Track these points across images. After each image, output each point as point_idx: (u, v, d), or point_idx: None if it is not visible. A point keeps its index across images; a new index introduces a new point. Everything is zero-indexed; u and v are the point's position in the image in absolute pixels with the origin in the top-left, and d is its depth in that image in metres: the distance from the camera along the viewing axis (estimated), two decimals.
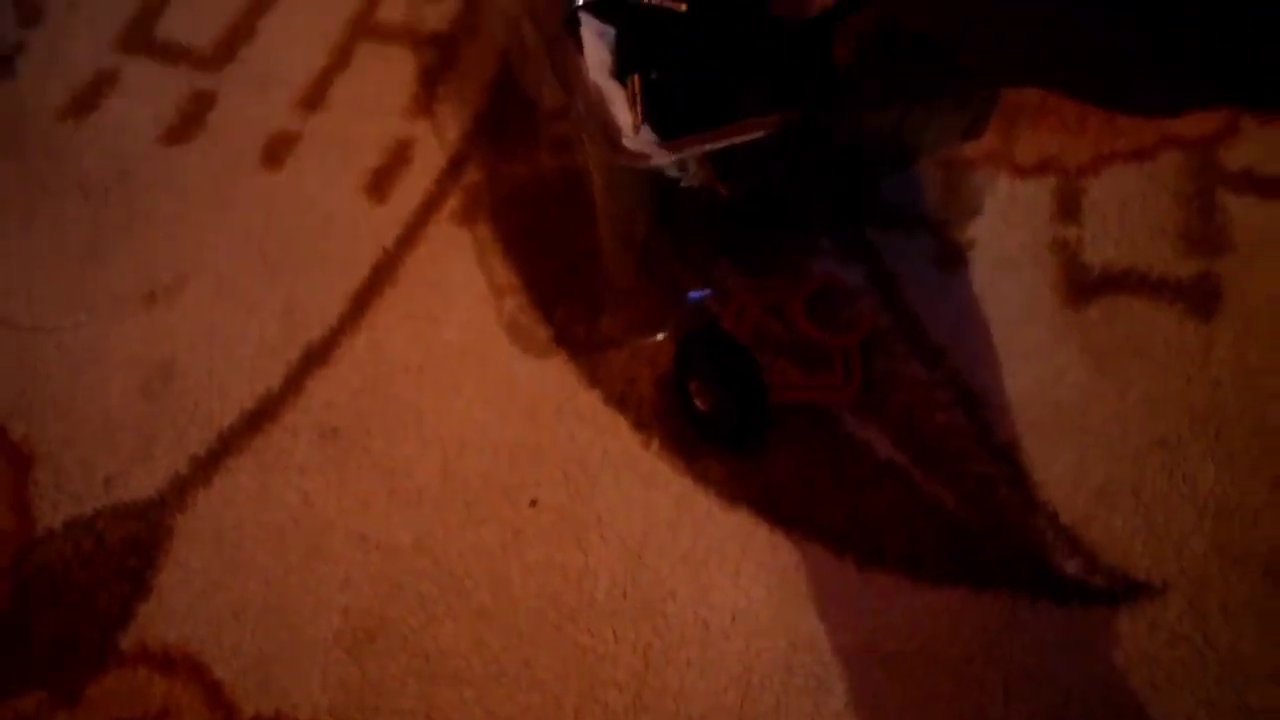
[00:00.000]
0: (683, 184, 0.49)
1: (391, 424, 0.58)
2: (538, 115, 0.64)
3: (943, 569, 0.54)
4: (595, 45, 0.54)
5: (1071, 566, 0.54)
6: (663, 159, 0.47)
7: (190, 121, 0.69)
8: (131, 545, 0.57)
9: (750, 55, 0.53)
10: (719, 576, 0.54)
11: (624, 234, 0.55)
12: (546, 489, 0.56)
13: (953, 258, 0.62)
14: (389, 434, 0.58)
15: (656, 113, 0.51)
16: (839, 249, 0.62)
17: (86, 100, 0.71)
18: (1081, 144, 0.66)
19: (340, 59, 0.71)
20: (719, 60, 0.54)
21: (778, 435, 0.57)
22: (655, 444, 0.57)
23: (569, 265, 0.62)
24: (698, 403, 0.56)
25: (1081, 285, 0.61)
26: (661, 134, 0.50)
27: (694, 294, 0.60)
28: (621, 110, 0.50)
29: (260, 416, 0.59)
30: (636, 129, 0.49)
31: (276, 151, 0.68)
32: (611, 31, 0.54)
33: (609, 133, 0.49)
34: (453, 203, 0.65)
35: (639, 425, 0.58)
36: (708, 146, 0.48)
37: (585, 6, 0.54)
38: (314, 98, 0.70)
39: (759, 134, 0.48)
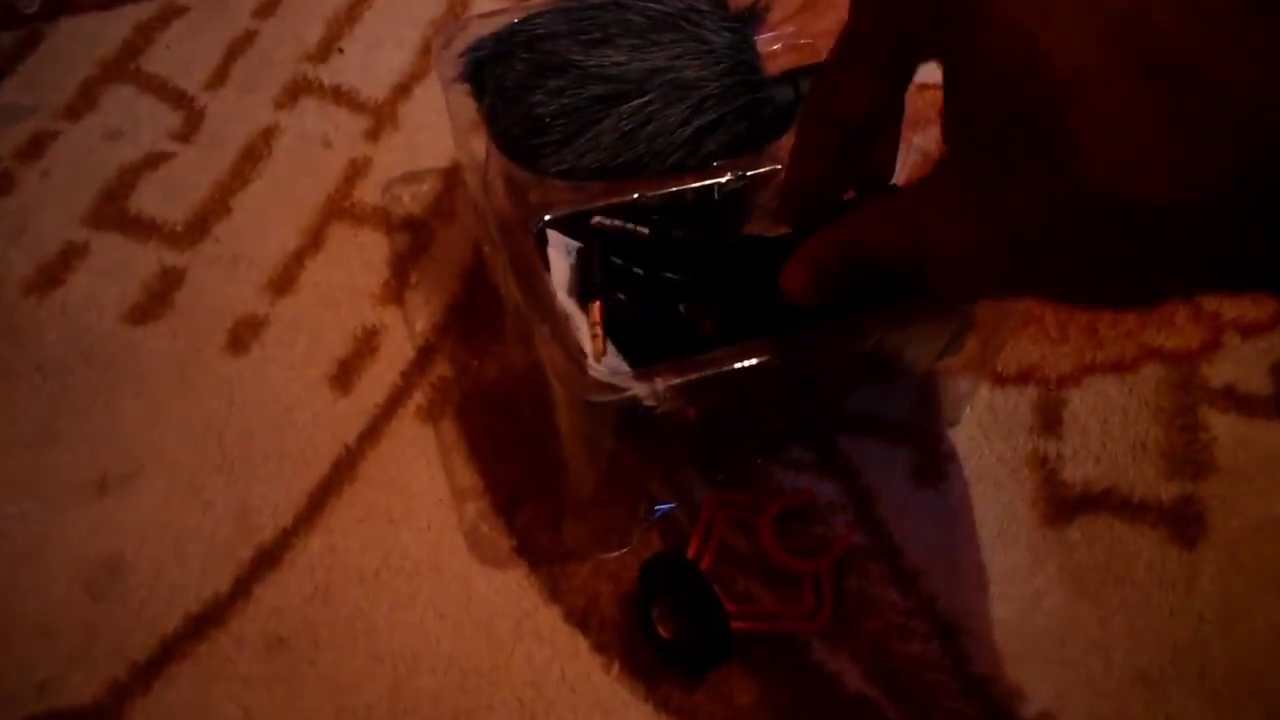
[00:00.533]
0: (656, 410, 0.47)
1: (341, 635, 0.56)
2: (505, 311, 0.63)
3: None
4: (562, 265, 0.53)
5: None
6: (632, 388, 0.46)
7: (157, 300, 0.68)
8: None
9: (712, 280, 0.53)
10: None
11: (587, 449, 0.53)
12: (500, 714, 0.54)
13: (930, 471, 0.61)
14: (338, 646, 0.56)
15: (623, 338, 0.50)
16: (811, 460, 0.61)
17: (53, 274, 0.69)
18: (1062, 353, 0.65)
19: (313, 240, 0.70)
20: (682, 284, 0.53)
21: (743, 661, 0.54)
22: (616, 667, 0.55)
23: (535, 469, 0.60)
24: (661, 630, 0.53)
25: (1061, 503, 0.60)
26: (631, 361, 0.49)
27: (661, 507, 0.58)
28: (585, 337, 0.49)
29: (205, 622, 0.57)
30: (599, 358, 0.48)
31: (242, 336, 0.66)
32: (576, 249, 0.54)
33: (574, 357, 0.47)
34: (419, 398, 0.63)
35: (599, 647, 0.55)
36: (689, 377, 0.47)
37: (553, 223, 0.54)
38: (284, 280, 0.69)
39: (749, 362, 0.47)
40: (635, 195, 0.56)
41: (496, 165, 0.57)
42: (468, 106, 0.57)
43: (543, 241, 0.53)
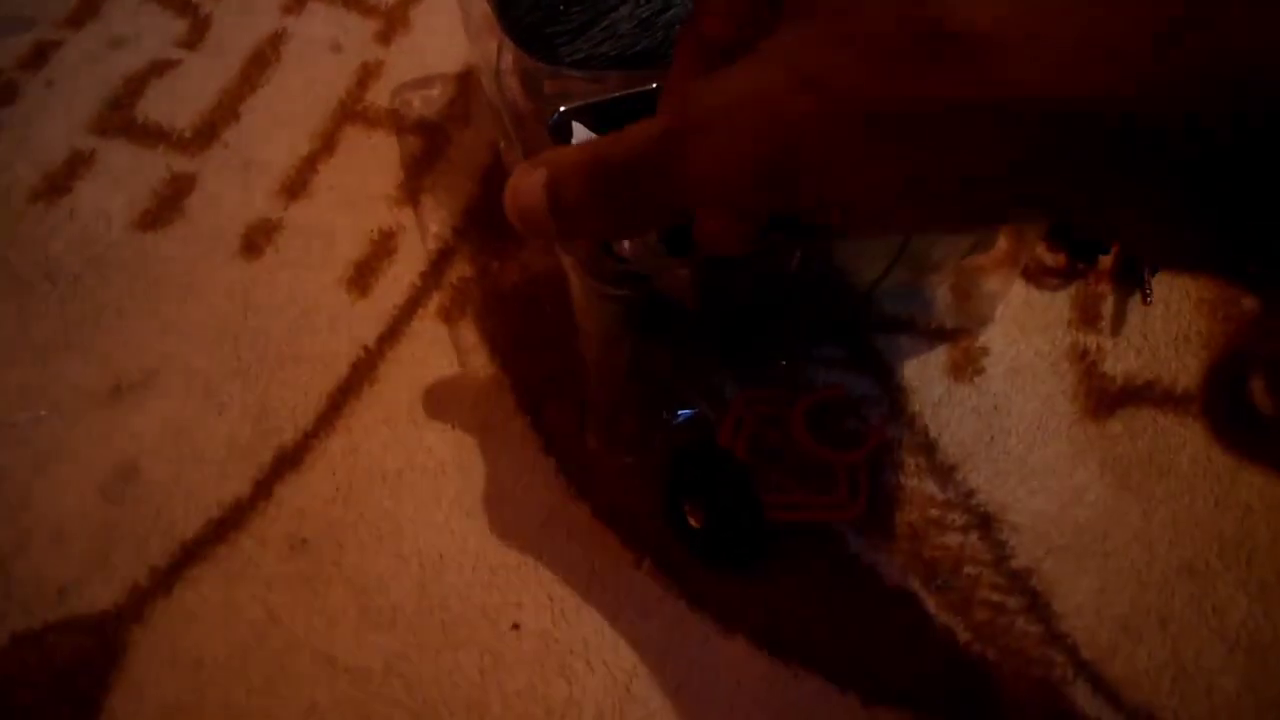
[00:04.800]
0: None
1: (365, 536, 0.55)
2: None
3: (954, 707, 0.50)
4: None
5: (1093, 706, 0.50)
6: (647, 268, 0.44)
7: (167, 206, 0.66)
8: (83, 663, 0.53)
9: None
10: (713, 711, 0.50)
11: (607, 350, 0.52)
12: (530, 611, 0.52)
13: (966, 366, 0.59)
14: (362, 547, 0.54)
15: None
16: (844, 357, 0.59)
17: (59, 182, 0.68)
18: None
19: (324, 145, 0.69)
20: None
21: (778, 556, 0.53)
22: (647, 562, 0.53)
23: (559, 370, 0.59)
24: (691, 521, 0.52)
25: (1102, 396, 0.58)
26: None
27: (683, 412, 0.56)
28: None
29: (226, 525, 0.56)
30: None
31: (256, 240, 0.64)
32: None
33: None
34: (438, 299, 0.62)
35: (629, 542, 0.54)
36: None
37: (569, 113, 0.52)
38: (297, 185, 0.67)
39: None
40: (654, 85, 0.54)
41: (510, 58, 0.55)
42: None
43: (559, 133, 0.51)
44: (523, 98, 0.54)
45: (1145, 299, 0.60)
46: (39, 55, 0.74)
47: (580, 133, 0.53)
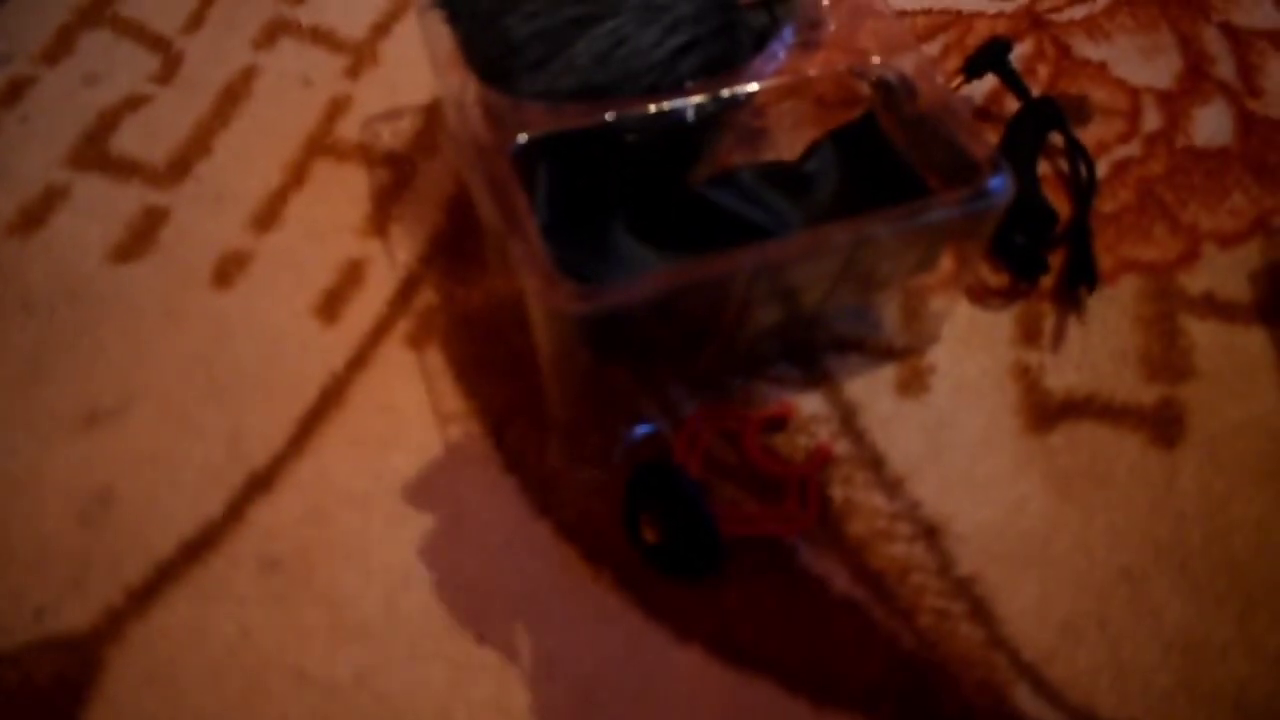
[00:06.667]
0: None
1: (335, 554, 0.57)
2: (486, 237, 0.63)
3: (901, 709, 0.52)
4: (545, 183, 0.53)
5: (1035, 706, 0.52)
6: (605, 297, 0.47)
7: (141, 238, 0.68)
8: (61, 682, 0.54)
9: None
10: (671, 716, 0.52)
11: (565, 366, 0.54)
12: (494, 624, 0.54)
13: (913, 384, 0.61)
14: (332, 565, 0.56)
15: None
16: (797, 376, 0.61)
17: (35, 215, 0.70)
18: None
19: (295, 177, 0.71)
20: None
21: (733, 568, 0.55)
22: (607, 576, 0.55)
23: (521, 390, 0.61)
24: (648, 535, 0.54)
25: (1044, 411, 0.61)
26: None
27: (640, 427, 0.59)
28: None
29: (200, 546, 0.57)
30: None
31: (228, 271, 0.66)
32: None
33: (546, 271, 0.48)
34: (405, 325, 0.64)
35: (590, 557, 0.56)
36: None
37: (530, 144, 0.54)
38: (268, 216, 0.69)
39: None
40: (611, 117, 0.56)
41: (473, 90, 0.57)
42: (444, 34, 0.58)
43: (519, 161, 0.54)
44: (485, 129, 0.56)
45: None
46: (14, 91, 0.76)
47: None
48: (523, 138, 0.56)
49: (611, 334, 0.53)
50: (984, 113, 0.74)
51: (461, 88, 0.57)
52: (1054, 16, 0.81)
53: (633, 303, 0.48)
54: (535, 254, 0.48)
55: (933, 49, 0.79)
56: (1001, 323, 0.64)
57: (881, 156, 0.58)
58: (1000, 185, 0.52)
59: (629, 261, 0.54)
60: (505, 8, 0.57)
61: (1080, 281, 0.63)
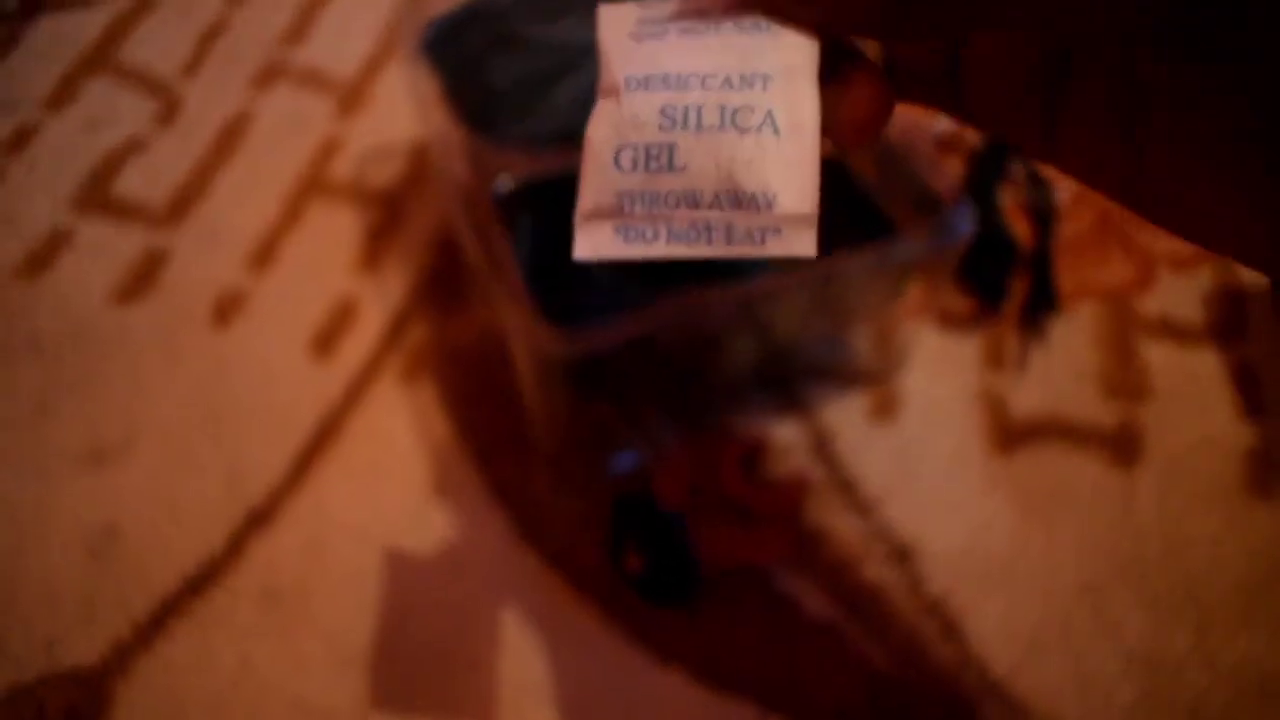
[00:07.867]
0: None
1: (332, 585, 0.59)
2: (473, 276, 0.66)
3: None
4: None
5: None
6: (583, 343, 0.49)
7: (142, 280, 0.71)
8: (72, 715, 0.57)
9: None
10: None
11: (549, 402, 0.57)
12: (484, 650, 0.57)
13: (884, 410, 0.64)
14: (330, 596, 0.59)
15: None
16: (773, 405, 0.64)
17: (42, 259, 0.72)
18: None
19: (290, 216, 0.73)
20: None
21: (711, 594, 0.58)
22: (591, 604, 0.58)
23: (508, 422, 0.63)
24: (631, 563, 0.57)
25: (1009, 433, 0.63)
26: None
27: (623, 459, 0.61)
28: None
29: (202, 579, 0.60)
30: None
31: (225, 310, 0.69)
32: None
33: (530, 315, 0.50)
34: (396, 361, 0.66)
35: (575, 584, 0.58)
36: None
37: (512, 189, 0.57)
38: (264, 255, 0.72)
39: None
40: None
41: (458, 136, 0.60)
42: (430, 81, 0.60)
43: (501, 205, 0.56)
44: (469, 173, 0.58)
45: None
46: (20, 138, 0.79)
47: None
48: (506, 182, 0.58)
49: (592, 373, 0.55)
50: (948, 144, 0.76)
51: (446, 133, 0.60)
52: None
53: (613, 345, 0.51)
54: (517, 296, 0.51)
55: None
56: (967, 348, 0.66)
57: (849, 195, 0.60)
58: (962, 220, 0.54)
59: (611, 296, 0.57)
60: (488, 56, 0.59)
61: (1042, 307, 0.66)
